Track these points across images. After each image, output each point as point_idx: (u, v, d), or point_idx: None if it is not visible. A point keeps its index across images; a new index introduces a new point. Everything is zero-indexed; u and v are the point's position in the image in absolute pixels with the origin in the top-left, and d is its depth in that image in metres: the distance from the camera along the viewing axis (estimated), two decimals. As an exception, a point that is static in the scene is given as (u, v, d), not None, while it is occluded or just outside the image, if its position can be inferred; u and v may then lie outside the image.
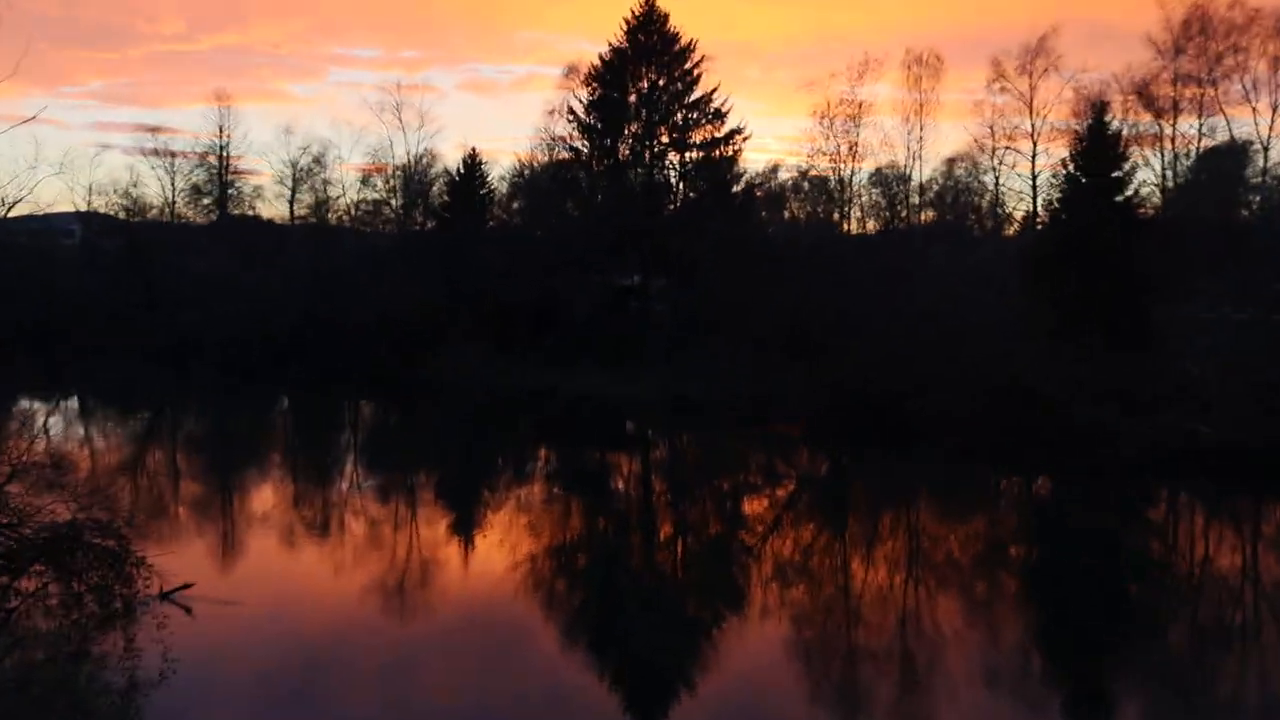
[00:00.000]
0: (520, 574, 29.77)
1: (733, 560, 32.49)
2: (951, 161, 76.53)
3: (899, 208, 76.81)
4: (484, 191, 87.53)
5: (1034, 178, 70.83)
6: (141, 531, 24.54)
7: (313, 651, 23.09)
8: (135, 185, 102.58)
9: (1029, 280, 53.75)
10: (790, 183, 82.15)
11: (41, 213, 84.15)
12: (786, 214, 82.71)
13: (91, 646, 18.41)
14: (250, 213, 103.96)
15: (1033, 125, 70.78)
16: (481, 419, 64.44)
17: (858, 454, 48.82)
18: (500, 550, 32.53)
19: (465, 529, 36.09)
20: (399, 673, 21.88)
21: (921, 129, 74.18)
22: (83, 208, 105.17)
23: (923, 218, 77.23)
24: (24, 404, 65.15)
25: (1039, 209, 68.62)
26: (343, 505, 39.32)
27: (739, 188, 78.88)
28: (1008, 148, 72.00)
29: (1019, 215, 75.14)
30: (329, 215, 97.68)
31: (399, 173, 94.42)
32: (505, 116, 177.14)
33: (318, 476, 46.41)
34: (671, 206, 79.67)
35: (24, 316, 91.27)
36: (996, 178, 74.44)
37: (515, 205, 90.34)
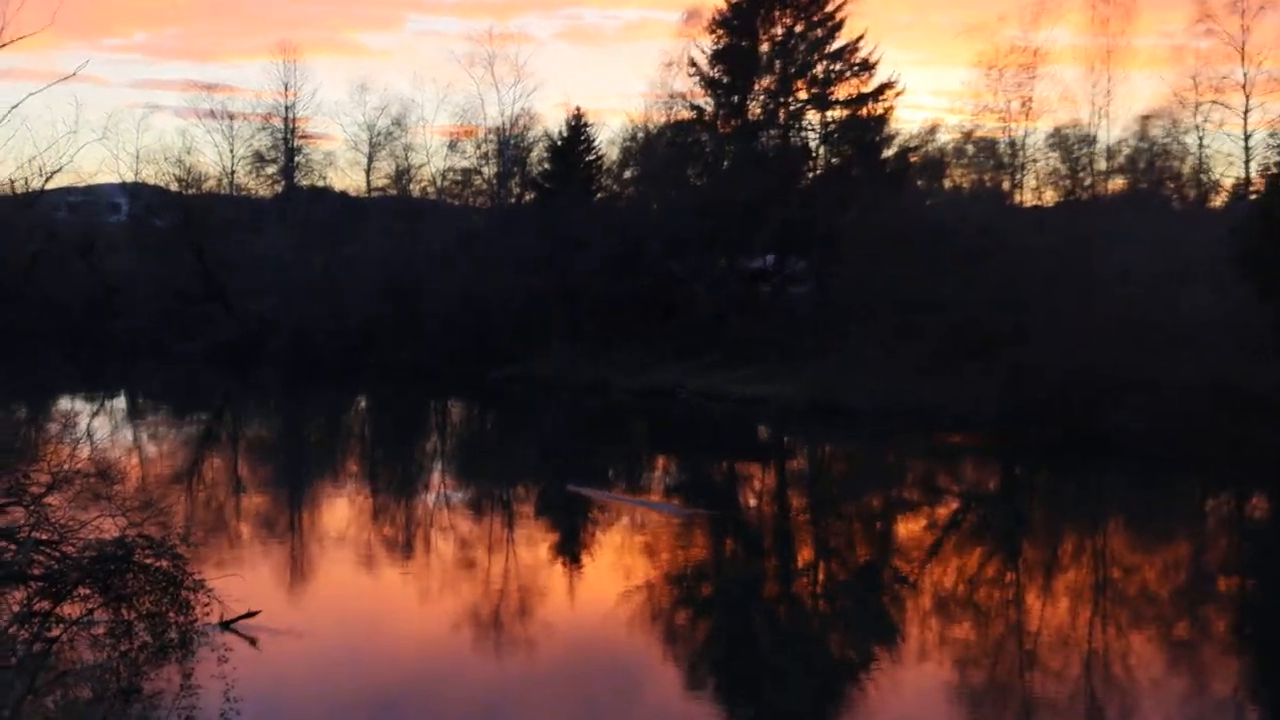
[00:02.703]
0: (634, 605, 29.75)
1: (884, 591, 32.17)
2: (1145, 119, 74.95)
3: (1082, 175, 75.42)
4: (590, 158, 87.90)
5: (1246, 138, 69.36)
6: (199, 551, 24.86)
7: (394, 692, 23.28)
8: (189, 152, 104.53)
9: (1241, 262, 52.60)
10: (951, 146, 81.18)
11: (83, 184, 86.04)
12: (947, 183, 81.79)
13: (143, 682, 18.63)
14: (320, 184, 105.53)
15: (1245, 75, 69.25)
16: (589, 424, 64.70)
17: (1035, 467, 48.18)
18: (610, 576, 32.56)
19: (571, 551, 36.20)
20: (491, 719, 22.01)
21: (1109, 81, 72.74)
22: (130, 178, 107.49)
23: (1111, 186, 75.82)
24: (65, 404, 66.81)
25: (1252, 175, 67.12)
26: (429, 522, 39.69)
27: (890, 152, 78.34)
28: (1214, 102, 70.54)
29: (1227, 183, 73.63)
30: (411, 186, 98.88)
31: (491, 137, 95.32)
32: (613, 70, 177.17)
33: (400, 489, 46.91)
34: (811, 174, 79.36)
35: (65, 304, 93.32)
36: (1200, 138, 72.96)
37: (627, 174, 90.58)
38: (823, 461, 56.83)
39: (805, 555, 37.22)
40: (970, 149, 78.41)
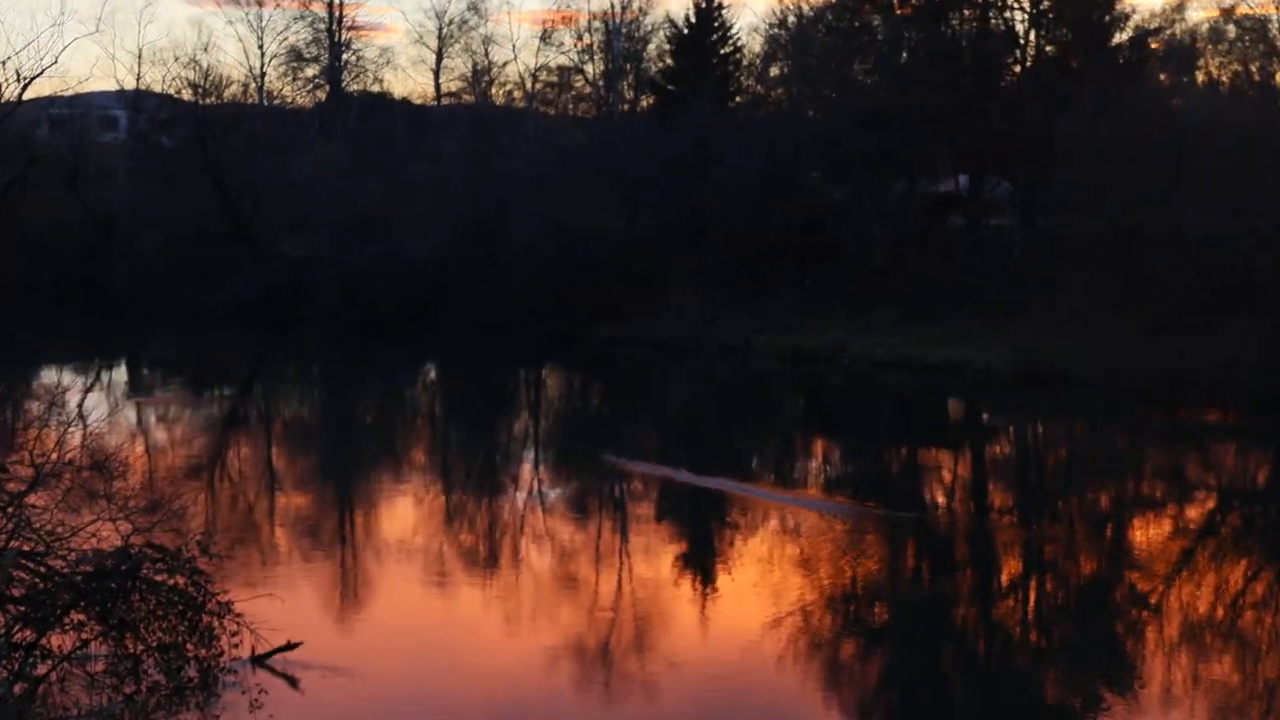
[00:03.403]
0: (784, 635, 29.67)
1: (1117, 618, 31.86)
2: None
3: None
4: (726, 51, 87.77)
5: None
6: (224, 565, 25.12)
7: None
8: (205, 50, 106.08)
9: None
10: (1206, 28, 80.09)
11: (70, 92, 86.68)
12: (1200, 76, 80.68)
13: (154, 734, 18.93)
14: (375, 89, 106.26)
15: None
16: (723, 398, 64.69)
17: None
18: (754, 597, 32.50)
19: (702, 565, 36.19)
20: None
21: None
22: (129, 85, 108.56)
23: None
24: (50, 375, 67.85)
25: None
26: (517, 528, 39.87)
27: (1123, 37, 77.40)
28: None
29: None
30: (492, 91, 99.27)
31: (597, 25, 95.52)
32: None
33: (479, 484, 47.19)
34: (1018, 68, 78.56)
35: (49, 248, 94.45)
36: None
37: (774, 72, 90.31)
38: (1033, 447, 56.39)
39: (1011, 569, 36.97)
40: (1231, 31, 77.26)
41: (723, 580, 34.75)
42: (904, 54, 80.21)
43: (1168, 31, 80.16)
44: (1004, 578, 36.19)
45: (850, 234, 75.83)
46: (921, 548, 38.66)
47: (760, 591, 33.04)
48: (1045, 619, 32.76)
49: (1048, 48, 78.30)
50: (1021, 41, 78.81)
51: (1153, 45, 78.06)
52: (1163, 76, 79.24)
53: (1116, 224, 61.55)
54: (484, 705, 25.22)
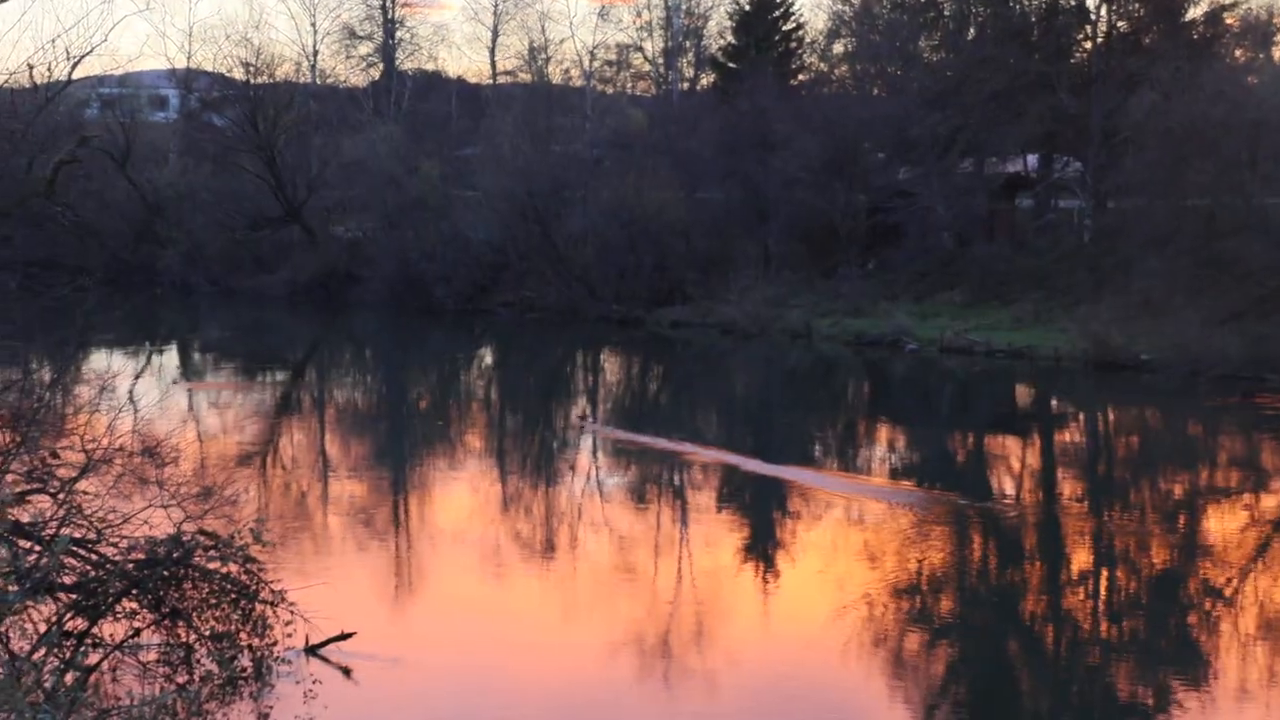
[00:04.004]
0: (848, 627, 29.58)
1: (1192, 610, 31.70)
2: None
3: None
4: (788, 28, 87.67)
5: None
6: (277, 553, 25.14)
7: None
8: (257, 28, 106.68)
9: None
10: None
11: (120, 71, 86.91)
12: (1277, 53, 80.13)
13: (207, 725, 18.97)
14: (430, 67, 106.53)
15: None
16: (789, 381, 64.63)
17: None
18: (817, 588, 32.47)
19: (762, 553, 36.17)
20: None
21: None
22: (180, 64, 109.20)
23: None
24: (101, 360, 68.20)
25: None
26: (576, 516, 39.90)
27: (1196, 12, 77.01)
28: None
29: None
30: (549, 70, 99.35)
31: (656, 1, 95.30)
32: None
33: (538, 471, 47.29)
34: (1088, 45, 78.18)
35: (99, 230, 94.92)
36: None
37: (837, 49, 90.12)
38: (1104, 435, 56.12)
39: (1081, 560, 36.80)
40: (1309, 7, 76.59)
41: (785, 570, 34.71)
42: (971, 30, 79.92)
43: (1243, 7, 79.81)
44: (1074, 568, 36.02)
45: (916, 216, 75.64)
46: (989, 537, 38.52)
47: (824, 581, 32.99)
48: (1116, 611, 32.57)
49: (1119, 24, 77.94)
50: (1092, 17, 78.47)
51: (1228, 21, 77.69)
52: (1238, 53, 78.76)
53: (1191, 207, 61.21)
54: (540, 698, 25.22)
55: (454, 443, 52.65)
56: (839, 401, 62.24)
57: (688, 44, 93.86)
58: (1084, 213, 75.32)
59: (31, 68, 30.47)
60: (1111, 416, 58.53)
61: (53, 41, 41.69)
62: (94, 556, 20.37)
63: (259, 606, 20.48)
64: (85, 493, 21.45)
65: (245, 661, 19.99)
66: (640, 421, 57.30)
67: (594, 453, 50.81)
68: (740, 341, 72.15)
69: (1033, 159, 78.95)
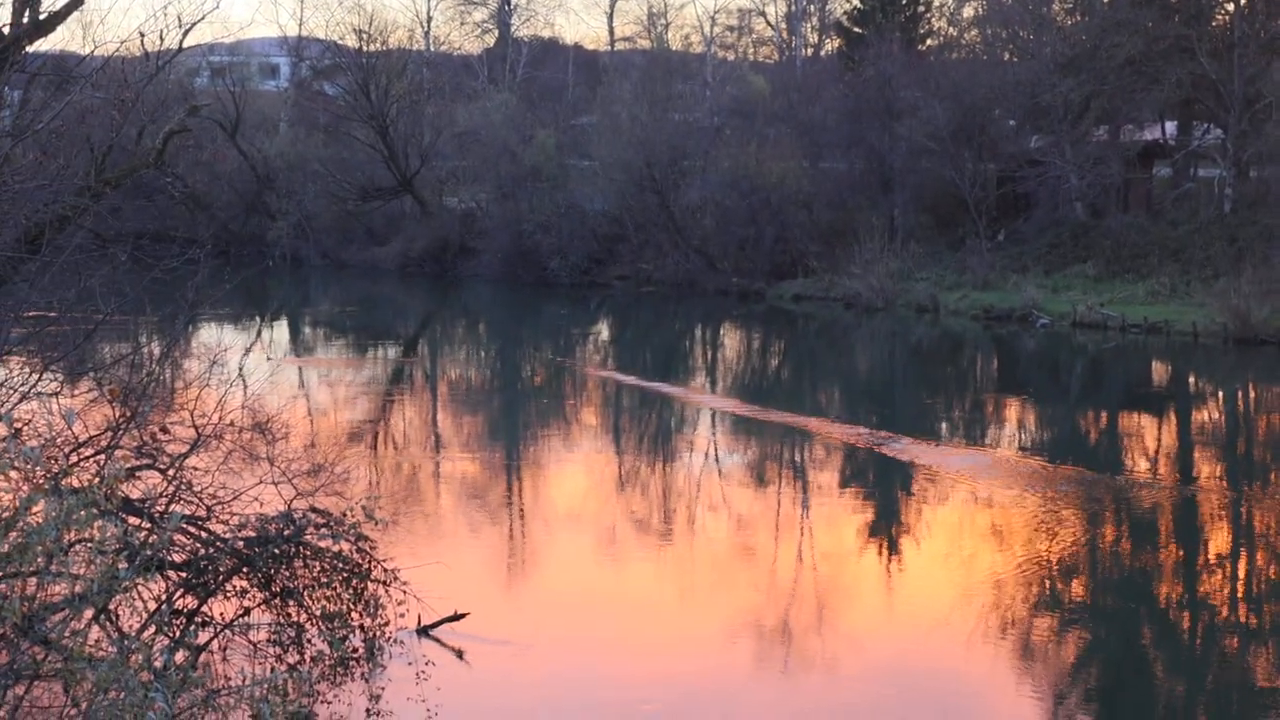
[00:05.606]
0: (974, 610, 29.53)
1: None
2: None
3: None
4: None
5: None
6: (389, 532, 25.36)
7: (648, 723, 23.59)
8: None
9: None
10: None
11: (231, 39, 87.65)
12: None
13: (318, 705, 19.17)
14: (546, 34, 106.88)
15: None
16: (914, 357, 64.49)
17: None
18: (943, 569, 32.42)
19: (885, 534, 36.11)
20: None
21: None
22: (292, 32, 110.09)
23: None
24: (210, 333, 68.94)
25: None
26: (694, 495, 40.01)
27: (1345, -28, 75.87)
28: None
29: None
30: (669, 36, 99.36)
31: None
32: None
33: (655, 449, 47.43)
34: (1230, 6, 77.34)
35: (209, 202, 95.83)
36: None
37: (967, 12, 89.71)
38: (1245, 413, 55.61)
39: (1218, 543, 36.53)
40: None
41: (909, 551, 34.67)
42: (1109, -9, 79.26)
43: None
44: (1211, 552, 35.75)
45: (1048, 186, 75.16)
46: (1122, 519, 38.28)
47: (948, 564, 32.94)
48: (1256, 596, 32.34)
49: (1267, -17, 77.04)
50: (1236, -23, 77.60)
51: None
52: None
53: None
54: (656, 684, 25.29)
55: (567, 420, 52.84)
56: (967, 378, 62.04)
57: (812, 8, 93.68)
58: (1224, 182, 74.49)
59: (143, 35, 30.64)
60: (1252, 394, 57.97)
61: (164, 8, 41.98)
62: (204, 534, 20.58)
63: (371, 586, 20.66)
64: (195, 469, 21.64)
65: (357, 642, 20.17)
66: (763, 397, 57.34)
67: (713, 430, 50.92)
68: (864, 316, 72.06)
69: (1170, 126, 78.12)
